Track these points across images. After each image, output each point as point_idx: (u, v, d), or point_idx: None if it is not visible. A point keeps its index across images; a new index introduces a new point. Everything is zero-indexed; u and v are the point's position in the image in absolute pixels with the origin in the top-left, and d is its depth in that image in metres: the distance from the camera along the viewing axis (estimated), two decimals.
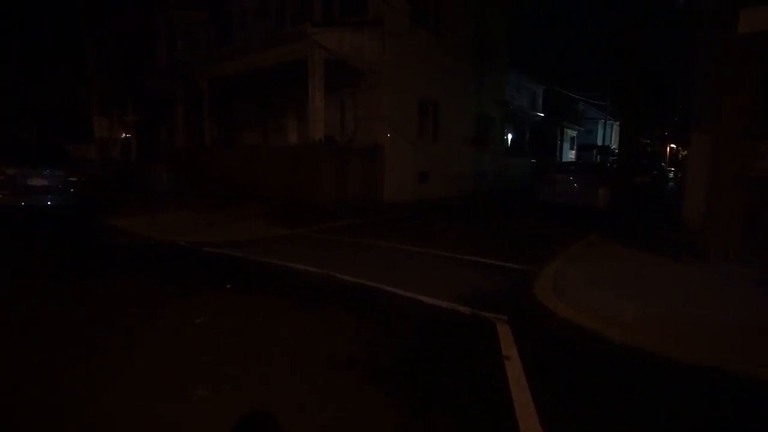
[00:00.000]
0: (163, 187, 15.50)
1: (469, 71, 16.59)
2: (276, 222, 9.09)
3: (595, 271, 5.24)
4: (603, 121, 38.08)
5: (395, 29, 12.51)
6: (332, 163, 10.93)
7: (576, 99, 34.13)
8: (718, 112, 5.66)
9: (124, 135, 18.79)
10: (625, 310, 3.81)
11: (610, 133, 39.79)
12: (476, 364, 3.05)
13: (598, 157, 28.58)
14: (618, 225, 8.50)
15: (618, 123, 43.47)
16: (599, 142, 38.81)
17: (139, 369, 2.85)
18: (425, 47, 13.78)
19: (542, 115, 24.57)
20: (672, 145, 54.82)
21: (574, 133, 32.36)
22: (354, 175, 11.68)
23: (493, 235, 8.32)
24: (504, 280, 5.05)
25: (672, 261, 5.80)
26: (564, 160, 29.88)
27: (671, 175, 25.45)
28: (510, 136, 22.62)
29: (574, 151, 32.88)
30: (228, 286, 4.54)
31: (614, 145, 38.69)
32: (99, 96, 10.38)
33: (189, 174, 14.72)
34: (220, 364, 2.93)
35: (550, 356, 3.22)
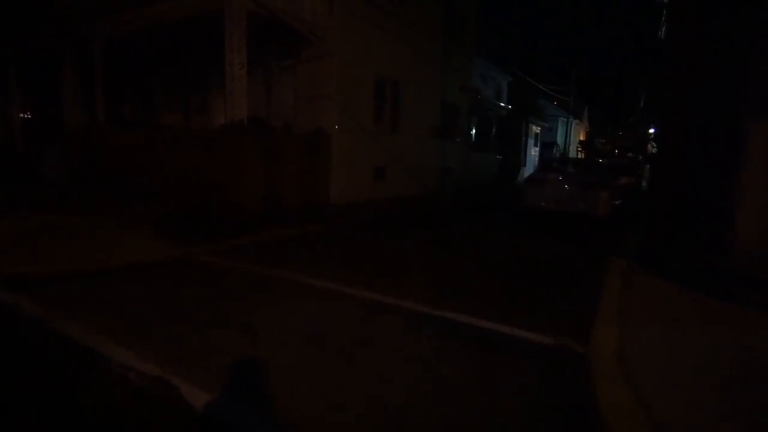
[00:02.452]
0: (52, 177, 12.20)
1: (435, 51, 14.21)
2: (171, 233, 6.30)
3: (684, 352, 2.94)
4: (565, 118, 37.26)
5: None
6: (260, 152, 8.19)
7: (539, 94, 32.88)
8: None
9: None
10: None
11: (570, 130, 38.99)
12: None
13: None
14: (636, 242, 6.41)
15: (576, 121, 42.93)
16: (559, 140, 37.99)
17: None
18: (384, 15, 11.23)
19: (510, 107, 22.71)
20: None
21: (538, 130, 30.96)
22: (291, 169, 8.99)
23: (479, 261, 5.91)
24: (531, 389, 2.61)
25: None
26: (528, 156, 28.44)
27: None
28: (474, 130, 20.58)
29: (537, 148, 31.60)
30: None
31: (562, 142, 37.97)
32: None
33: (83, 161, 11.45)
34: None
35: None
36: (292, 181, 9.05)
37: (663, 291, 4.41)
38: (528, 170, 28.80)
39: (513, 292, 4.50)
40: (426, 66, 13.67)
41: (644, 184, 21.25)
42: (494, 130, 21.53)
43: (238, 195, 7.97)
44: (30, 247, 5.24)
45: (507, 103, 24.90)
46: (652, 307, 3.92)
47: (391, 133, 12.16)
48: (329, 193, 10.01)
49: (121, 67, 13.27)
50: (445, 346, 3.11)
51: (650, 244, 6.32)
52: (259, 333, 3.20)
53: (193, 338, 3.03)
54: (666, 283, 4.64)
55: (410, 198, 12.54)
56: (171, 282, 4.40)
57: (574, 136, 43.70)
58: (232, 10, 7.61)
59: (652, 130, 40.87)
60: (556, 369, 2.80)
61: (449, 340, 3.19)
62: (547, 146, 34.60)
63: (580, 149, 27.56)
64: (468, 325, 3.44)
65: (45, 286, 3.90)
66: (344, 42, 9.95)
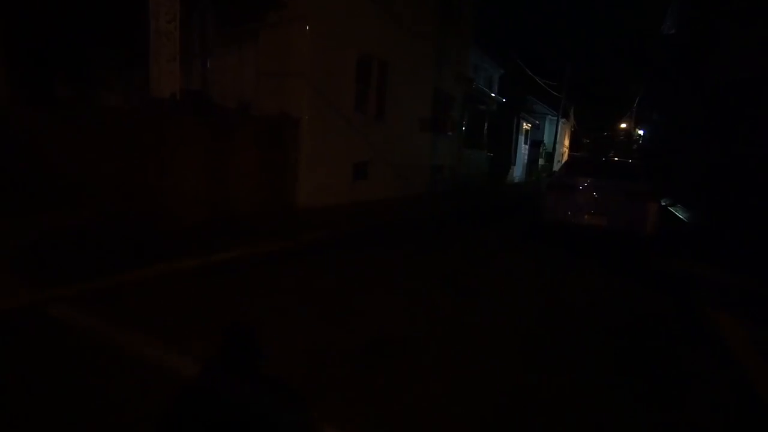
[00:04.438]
0: None
1: (430, 33, 12.19)
2: (42, 262, 4.13)
3: None
4: (553, 117, 35.75)
5: None
6: (200, 140, 6.04)
7: (530, 90, 31.24)
8: None
9: None
10: None
11: (558, 129, 37.49)
12: None
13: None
14: (720, 280, 4.59)
15: (563, 120, 41.71)
16: (546, 140, 36.54)
17: None
18: None
19: (504, 100, 20.88)
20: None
21: (528, 127, 29.35)
22: (246, 163, 6.87)
23: (517, 324, 3.83)
24: None
25: None
26: (518, 155, 26.76)
27: None
28: (466, 124, 18.67)
29: (527, 146, 30.04)
30: None
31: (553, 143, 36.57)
32: None
33: None
34: None
35: None
36: (247, 180, 6.93)
37: None
38: (518, 170, 27.13)
39: (603, 411, 2.49)
40: (419, 48, 11.65)
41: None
42: (486, 125, 19.67)
43: (167, 198, 5.81)
44: None
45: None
46: None
47: (375, 123, 10.12)
48: (297, 194, 7.92)
49: (43, 31, 10.84)
50: None
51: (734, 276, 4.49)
52: None
53: None
54: None
55: (397, 201, 10.55)
56: None
57: (561, 135, 42.36)
58: None
59: (641, 132, 39.80)
60: None
61: None
62: (534, 145, 33.14)
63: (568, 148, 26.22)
64: None
65: None
66: (321, 4, 7.85)
